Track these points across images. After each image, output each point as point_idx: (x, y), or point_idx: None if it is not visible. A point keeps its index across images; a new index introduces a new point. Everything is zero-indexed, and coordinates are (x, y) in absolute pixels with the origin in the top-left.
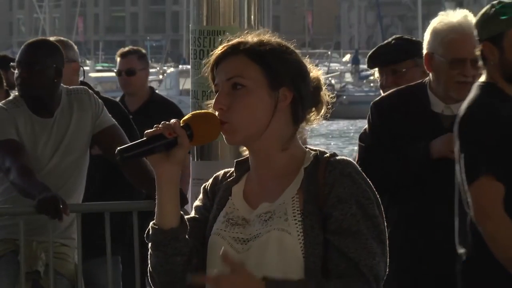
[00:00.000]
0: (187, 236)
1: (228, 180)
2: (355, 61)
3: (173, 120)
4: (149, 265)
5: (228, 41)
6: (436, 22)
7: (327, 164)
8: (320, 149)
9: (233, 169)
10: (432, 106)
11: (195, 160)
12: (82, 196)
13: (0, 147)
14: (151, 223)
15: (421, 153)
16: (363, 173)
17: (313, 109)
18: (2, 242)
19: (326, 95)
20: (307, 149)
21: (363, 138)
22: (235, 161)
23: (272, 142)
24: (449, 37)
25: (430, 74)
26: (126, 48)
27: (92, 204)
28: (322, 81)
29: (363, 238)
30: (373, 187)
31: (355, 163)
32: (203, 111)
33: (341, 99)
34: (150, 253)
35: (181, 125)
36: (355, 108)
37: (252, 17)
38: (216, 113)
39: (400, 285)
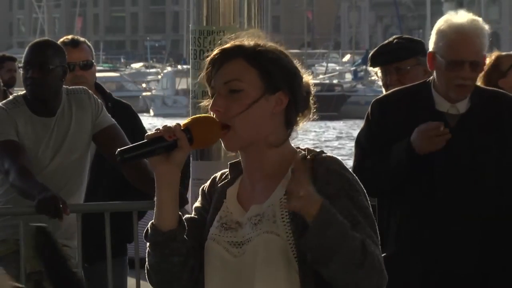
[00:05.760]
0: (185, 237)
1: (223, 182)
2: (364, 61)
3: (173, 123)
4: (147, 263)
5: (226, 42)
6: (442, 21)
7: (313, 163)
8: (310, 148)
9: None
10: (436, 105)
11: (195, 160)
12: (83, 196)
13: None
14: (150, 222)
15: (404, 154)
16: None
17: (302, 113)
18: (4, 242)
19: (312, 100)
20: (298, 150)
21: (361, 140)
22: (229, 163)
23: (265, 145)
24: (449, 38)
25: (434, 73)
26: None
27: (92, 204)
28: (312, 86)
29: (361, 227)
30: (359, 180)
31: (340, 159)
32: (204, 115)
33: (356, 98)
34: (148, 252)
35: (182, 128)
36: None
37: (252, 17)
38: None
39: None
